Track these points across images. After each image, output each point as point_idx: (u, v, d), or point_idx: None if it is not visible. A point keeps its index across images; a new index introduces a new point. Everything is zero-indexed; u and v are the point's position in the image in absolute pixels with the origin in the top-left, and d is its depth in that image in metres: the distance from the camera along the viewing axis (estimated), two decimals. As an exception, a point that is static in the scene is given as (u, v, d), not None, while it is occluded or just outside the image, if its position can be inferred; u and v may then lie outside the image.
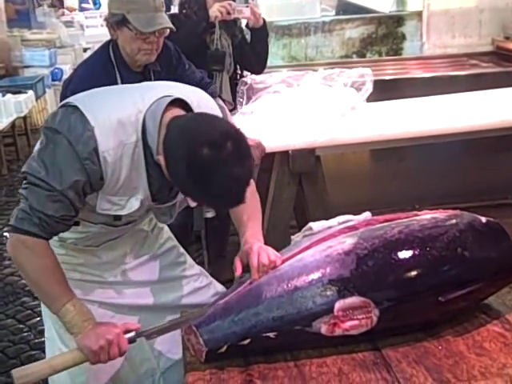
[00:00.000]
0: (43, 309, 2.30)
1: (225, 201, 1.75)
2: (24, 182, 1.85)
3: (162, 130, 1.81)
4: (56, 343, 2.21)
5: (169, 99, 1.85)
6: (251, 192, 2.08)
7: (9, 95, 7.17)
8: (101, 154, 1.79)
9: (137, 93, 1.93)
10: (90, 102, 1.88)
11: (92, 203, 1.90)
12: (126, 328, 1.83)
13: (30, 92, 7.90)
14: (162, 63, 2.91)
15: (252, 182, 2.12)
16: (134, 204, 1.92)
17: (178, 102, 1.87)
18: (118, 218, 1.96)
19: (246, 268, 1.91)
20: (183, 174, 1.69)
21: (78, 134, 1.78)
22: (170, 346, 2.25)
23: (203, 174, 1.65)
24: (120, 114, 1.83)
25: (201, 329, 1.75)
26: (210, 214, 2.17)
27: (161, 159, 1.78)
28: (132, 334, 1.82)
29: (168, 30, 2.79)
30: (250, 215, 2.07)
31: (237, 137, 1.71)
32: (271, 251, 1.90)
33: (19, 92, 7.62)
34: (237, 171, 1.67)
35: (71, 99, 1.89)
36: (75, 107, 1.84)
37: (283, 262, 1.88)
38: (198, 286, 2.36)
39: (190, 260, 2.42)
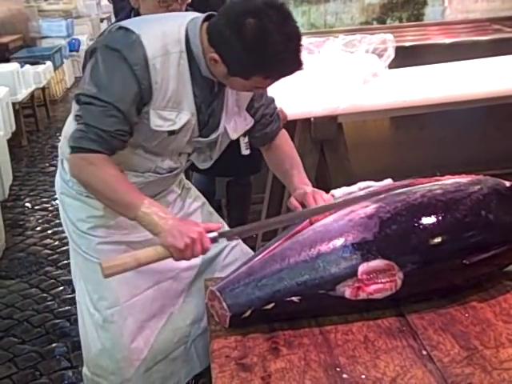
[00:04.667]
0: (74, 271, 2.34)
1: (286, 62, 1.78)
2: (77, 104, 1.87)
3: (203, 37, 1.85)
4: (86, 306, 2.25)
5: (204, 15, 1.91)
6: (286, 138, 2.23)
7: (27, 66, 7.18)
8: (150, 60, 1.83)
9: (174, 14, 2.09)
10: (131, 22, 1.96)
11: (144, 130, 1.92)
12: (208, 228, 1.83)
13: (48, 63, 7.91)
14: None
15: (285, 132, 2.24)
16: (183, 118, 1.94)
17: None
18: (172, 132, 1.96)
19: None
20: (238, 51, 1.74)
21: (126, 43, 1.83)
22: (202, 313, 2.28)
23: (257, 42, 1.71)
24: (163, 27, 1.89)
25: (224, 294, 1.75)
26: (246, 151, 2.19)
27: (213, 56, 1.81)
28: (214, 234, 1.83)
29: None
30: (292, 163, 2.14)
31: (275, 3, 1.77)
32: (324, 194, 1.97)
33: (37, 63, 7.63)
34: (286, 30, 1.74)
35: (112, 25, 1.98)
36: (118, 28, 1.90)
37: (301, 229, 1.86)
38: (236, 242, 2.40)
39: (219, 218, 2.48)
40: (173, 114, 1.92)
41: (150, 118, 1.90)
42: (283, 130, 2.24)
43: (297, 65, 1.82)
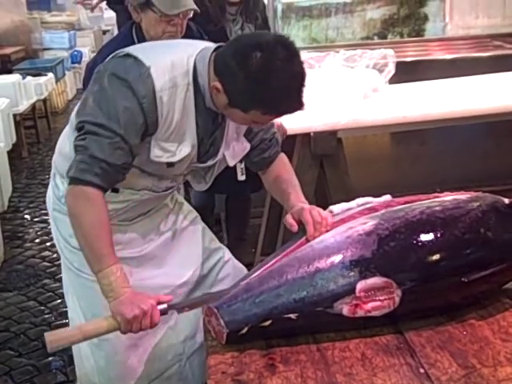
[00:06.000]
0: (66, 287, 2.32)
1: (287, 100, 1.77)
2: (80, 132, 1.82)
3: (210, 67, 1.84)
4: (80, 323, 2.23)
5: (214, 45, 1.91)
6: (285, 162, 2.21)
7: (29, 78, 7.20)
8: (157, 93, 1.81)
9: (185, 43, 2.04)
10: (141, 49, 1.94)
11: (142, 156, 1.90)
12: (159, 299, 1.81)
13: (50, 74, 7.94)
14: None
15: (284, 155, 2.22)
16: (184, 150, 1.93)
17: None
18: (171, 165, 1.95)
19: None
20: (241, 82, 1.73)
21: (136, 74, 1.80)
22: (195, 330, 2.28)
23: (261, 75, 1.70)
24: (172, 57, 1.87)
25: (221, 310, 1.74)
26: (242, 177, 2.16)
27: (216, 84, 1.79)
28: (164, 306, 1.80)
29: (192, 12, 2.76)
30: (289, 184, 2.12)
31: (285, 40, 1.77)
32: (321, 210, 1.94)
33: (39, 74, 7.65)
34: (292, 68, 1.73)
35: (120, 51, 1.92)
36: (127, 55, 1.87)
37: (299, 245, 1.86)
38: (228, 257, 2.41)
39: (211, 233, 2.48)
40: (174, 145, 1.91)
41: (150, 148, 1.89)
42: (282, 154, 2.21)
43: (298, 105, 1.81)
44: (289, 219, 1.96)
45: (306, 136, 3.10)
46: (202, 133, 1.94)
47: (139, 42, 2.75)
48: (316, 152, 3.12)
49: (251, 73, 1.70)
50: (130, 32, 2.80)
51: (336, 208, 2.00)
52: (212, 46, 1.91)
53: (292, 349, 1.73)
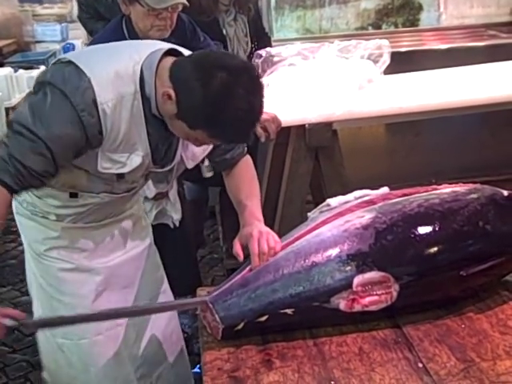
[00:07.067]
0: (30, 290, 2.26)
1: (237, 131, 1.72)
2: (9, 130, 1.75)
3: (160, 74, 1.77)
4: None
5: (163, 49, 1.82)
6: (248, 167, 2.12)
7: (21, 71, 7.13)
8: (99, 105, 1.72)
9: (131, 47, 1.92)
10: (84, 56, 1.85)
11: (91, 166, 1.84)
12: (8, 314, 1.67)
13: (43, 67, 7.86)
14: (176, 37, 2.84)
15: (249, 158, 2.12)
16: (135, 160, 1.86)
17: (173, 53, 1.84)
18: (121, 176, 1.89)
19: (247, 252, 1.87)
20: (197, 98, 1.66)
21: (74, 86, 1.72)
22: (152, 366, 2.24)
23: (219, 98, 1.64)
24: (117, 66, 1.78)
25: (217, 306, 1.72)
26: (209, 174, 2.11)
27: (168, 91, 1.71)
28: (13, 323, 1.66)
29: (181, 5, 2.71)
30: (247, 194, 2.04)
31: (251, 70, 1.74)
32: (271, 236, 1.86)
33: (31, 67, 7.58)
34: (252, 100, 1.68)
35: (63, 56, 1.84)
36: (69, 62, 1.77)
37: (296, 239, 1.83)
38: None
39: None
40: (124, 156, 1.84)
41: (98, 159, 1.82)
42: (247, 157, 2.12)
43: (246, 138, 1.79)
44: (235, 247, 1.89)
45: (300, 128, 3.08)
46: (155, 140, 1.87)
47: (129, 34, 2.72)
48: (311, 144, 3.10)
49: (211, 92, 1.64)
50: (120, 24, 2.77)
51: (333, 201, 1.98)
52: (163, 48, 1.83)
53: (288, 344, 1.71)
